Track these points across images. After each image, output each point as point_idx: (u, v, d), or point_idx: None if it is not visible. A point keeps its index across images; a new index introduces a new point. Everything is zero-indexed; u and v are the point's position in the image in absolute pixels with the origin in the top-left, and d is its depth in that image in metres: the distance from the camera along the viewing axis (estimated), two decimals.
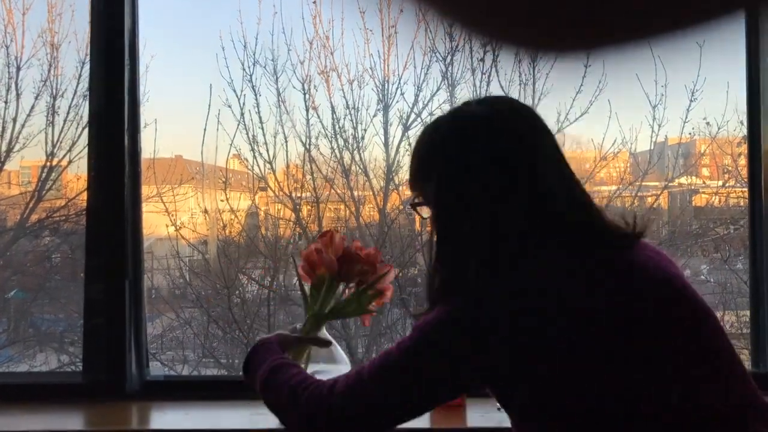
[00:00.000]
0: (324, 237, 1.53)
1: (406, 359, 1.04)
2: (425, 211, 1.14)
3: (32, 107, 2.83)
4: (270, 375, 1.19)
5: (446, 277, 1.07)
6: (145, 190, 1.83)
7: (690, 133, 2.93)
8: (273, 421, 1.51)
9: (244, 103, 2.98)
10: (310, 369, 1.52)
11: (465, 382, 1.08)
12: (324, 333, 1.55)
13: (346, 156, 3.07)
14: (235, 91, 2.98)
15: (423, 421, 1.54)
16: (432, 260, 1.12)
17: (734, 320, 3.01)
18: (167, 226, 3.08)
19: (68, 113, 2.80)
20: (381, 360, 1.08)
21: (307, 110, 3.02)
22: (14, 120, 2.83)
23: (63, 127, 2.82)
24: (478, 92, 2.95)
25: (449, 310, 1.02)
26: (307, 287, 1.55)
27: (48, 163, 2.89)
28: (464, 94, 2.99)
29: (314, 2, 2.97)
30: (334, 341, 1.59)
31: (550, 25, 0.37)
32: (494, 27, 0.37)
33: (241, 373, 1.30)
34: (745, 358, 2.82)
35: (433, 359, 1.03)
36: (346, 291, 1.54)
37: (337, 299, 1.53)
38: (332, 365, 1.56)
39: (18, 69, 2.81)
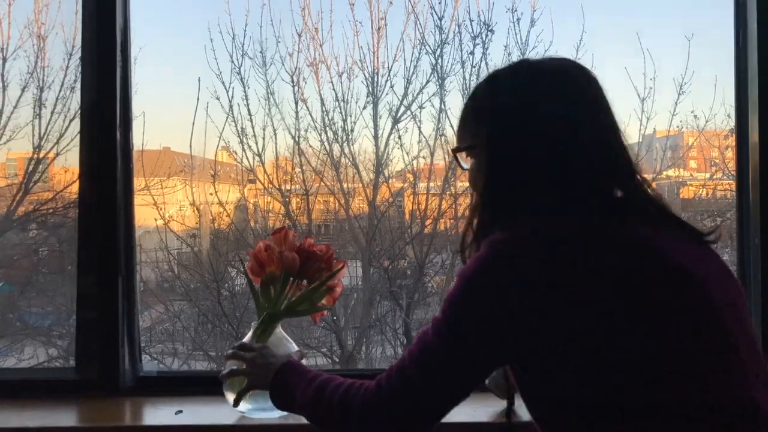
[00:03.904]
0: (277, 234, 1.53)
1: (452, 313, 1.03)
2: (466, 161, 1.18)
3: (19, 99, 2.81)
4: (315, 395, 1.18)
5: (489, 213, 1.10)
6: (134, 182, 1.82)
7: (678, 126, 2.96)
8: (269, 416, 1.52)
9: (232, 96, 2.98)
10: None
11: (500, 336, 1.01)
12: (280, 330, 1.56)
13: (336, 148, 3.07)
14: (223, 83, 2.98)
15: None
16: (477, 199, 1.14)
17: None
18: (156, 219, 3.07)
19: (55, 105, 2.78)
20: (418, 339, 1.08)
21: (296, 103, 3.02)
22: (0, 112, 2.80)
23: (50, 120, 2.80)
24: (467, 85, 2.96)
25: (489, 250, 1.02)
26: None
27: (35, 156, 2.87)
28: (454, 86, 3.00)
29: None
30: (290, 339, 1.59)
31: None
32: None
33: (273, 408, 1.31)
34: None
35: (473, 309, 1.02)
36: (292, 288, 1.54)
37: (287, 297, 1.53)
38: None
39: (4, 60, 2.79)
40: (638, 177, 1.11)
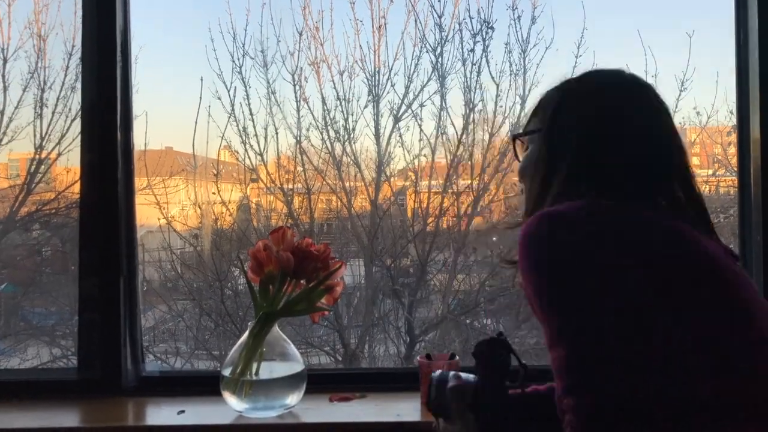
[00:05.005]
0: (276, 233, 1.52)
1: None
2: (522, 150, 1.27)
3: (20, 99, 2.81)
4: None
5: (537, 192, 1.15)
6: (136, 182, 1.83)
7: (680, 123, 2.95)
8: (265, 415, 1.52)
9: (234, 95, 2.98)
10: (264, 366, 1.53)
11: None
12: (277, 330, 1.55)
13: (337, 147, 3.07)
14: (224, 83, 2.97)
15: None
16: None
17: None
18: (159, 219, 3.07)
19: (56, 105, 2.78)
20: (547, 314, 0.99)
21: (298, 102, 3.02)
22: (2, 112, 2.80)
23: (51, 120, 2.80)
24: (468, 83, 2.95)
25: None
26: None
27: (37, 156, 2.87)
28: (454, 84, 3.00)
29: None
30: (287, 339, 1.59)
31: None
32: None
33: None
34: None
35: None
36: (291, 288, 1.54)
37: (286, 297, 1.53)
38: (285, 363, 1.56)
39: (5, 61, 2.79)
40: (691, 180, 1.17)
